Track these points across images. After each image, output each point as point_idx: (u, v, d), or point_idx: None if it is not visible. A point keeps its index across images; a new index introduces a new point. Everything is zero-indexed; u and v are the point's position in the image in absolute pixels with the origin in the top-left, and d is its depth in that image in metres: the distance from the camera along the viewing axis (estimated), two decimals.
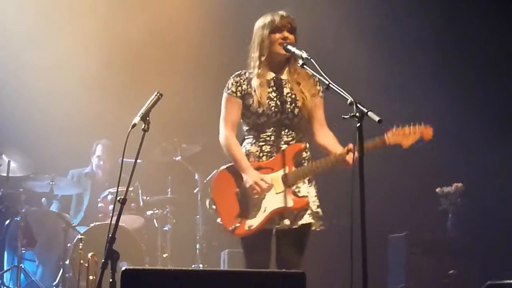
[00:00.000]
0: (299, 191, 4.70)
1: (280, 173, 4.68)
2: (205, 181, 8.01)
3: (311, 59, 4.43)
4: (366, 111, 3.90)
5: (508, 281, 4.68)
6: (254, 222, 4.62)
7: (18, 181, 7.68)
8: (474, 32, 8.42)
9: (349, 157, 4.58)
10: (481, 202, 7.92)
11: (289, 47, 4.63)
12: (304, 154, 4.79)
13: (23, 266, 7.44)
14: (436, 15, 8.49)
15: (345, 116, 3.93)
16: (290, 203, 4.64)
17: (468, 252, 7.47)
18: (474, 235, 7.71)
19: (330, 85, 4.23)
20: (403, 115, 8.04)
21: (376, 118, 3.87)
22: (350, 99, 4.01)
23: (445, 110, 8.45)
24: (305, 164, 4.74)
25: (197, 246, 8.01)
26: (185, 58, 8.61)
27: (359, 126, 3.87)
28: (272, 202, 4.64)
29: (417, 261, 7.34)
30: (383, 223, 7.75)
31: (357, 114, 3.89)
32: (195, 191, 8.14)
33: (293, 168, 4.68)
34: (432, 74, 8.56)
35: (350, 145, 4.58)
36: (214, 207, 4.71)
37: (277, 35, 4.72)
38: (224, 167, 4.79)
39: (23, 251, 7.50)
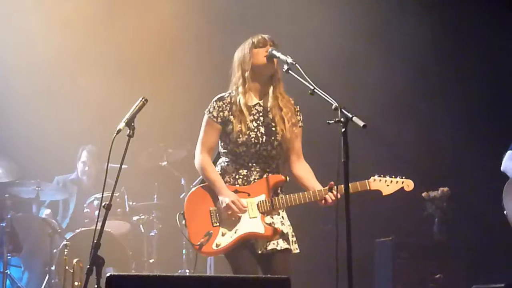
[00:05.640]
0: (272, 220, 4.68)
1: (257, 199, 4.66)
2: (191, 186, 7.95)
3: (296, 64, 4.44)
4: (351, 116, 3.91)
5: (494, 285, 4.70)
6: (222, 242, 4.60)
7: (3, 187, 7.67)
8: (463, 35, 8.48)
9: (329, 196, 4.62)
10: (467, 206, 7.94)
11: (274, 52, 4.63)
12: (268, 166, 4.76)
13: (9, 272, 7.43)
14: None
15: (330, 121, 3.94)
16: (262, 230, 4.61)
17: (454, 256, 7.49)
18: (460, 239, 7.73)
19: (315, 90, 4.24)
20: (395, 118, 8.23)
21: (361, 123, 3.88)
22: (335, 104, 4.02)
23: (434, 114, 8.49)
24: (280, 195, 4.72)
25: (184, 251, 7.99)
26: (171, 63, 8.59)
27: (344, 131, 3.88)
28: (244, 225, 4.62)
29: (404, 265, 7.35)
30: (369, 228, 7.77)
31: (342, 119, 3.90)
32: (181, 196, 8.12)
33: (270, 198, 4.66)
34: (424, 79, 8.59)
35: (331, 183, 4.60)
36: (183, 222, 4.68)
37: (261, 50, 4.69)
38: (200, 185, 4.77)
39: (9, 257, 7.49)
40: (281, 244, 4.66)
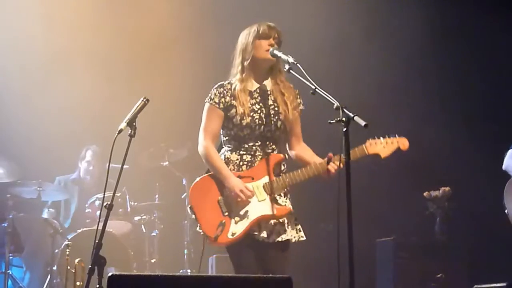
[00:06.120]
0: (277, 201, 4.70)
1: (262, 181, 4.67)
2: None
3: (298, 64, 4.45)
4: (352, 115, 3.91)
5: (495, 285, 4.70)
6: (237, 230, 4.60)
7: (5, 187, 7.66)
8: (466, 33, 8.48)
9: (331, 166, 4.63)
10: (468, 206, 7.94)
11: (276, 52, 4.65)
12: (282, 167, 4.80)
13: (10, 272, 7.43)
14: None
15: (331, 121, 3.95)
16: (273, 211, 4.64)
17: (455, 256, 7.48)
18: (461, 239, 7.73)
19: (317, 89, 4.25)
20: (395, 117, 8.23)
21: (362, 123, 3.88)
22: (336, 103, 4.03)
23: (436, 113, 8.49)
24: (282, 175, 4.74)
25: (185, 251, 8.00)
26: (172, 63, 8.59)
27: (345, 130, 3.89)
28: (255, 209, 4.63)
29: (405, 265, 7.34)
30: (370, 227, 7.77)
31: (343, 118, 3.91)
32: (182, 196, 8.13)
33: (274, 178, 4.68)
34: (424, 78, 8.58)
35: (330, 154, 4.62)
36: (193, 216, 4.67)
37: (264, 41, 4.72)
38: (205, 175, 4.76)
39: (10, 257, 7.48)
40: (282, 235, 4.68)
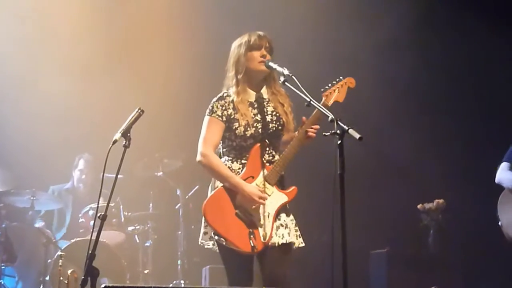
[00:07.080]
0: (284, 186, 4.74)
1: (261, 176, 4.68)
2: (186, 196, 8.02)
3: (293, 76, 4.45)
4: (346, 128, 3.91)
5: None
6: (266, 232, 4.60)
7: None
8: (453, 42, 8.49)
9: (310, 132, 4.65)
10: (462, 218, 7.95)
11: (271, 64, 4.66)
12: (269, 152, 4.78)
13: (2, 282, 7.41)
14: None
15: (326, 133, 3.95)
16: (285, 198, 4.69)
17: (449, 268, 7.50)
18: (455, 251, 7.74)
19: (312, 102, 4.27)
20: (390, 129, 8.24)
21: (357, 136, 3.88)
22: (331, 116, 4.04)
23: (427, 125, 8.50)
24: (275, 161, 4.75)
25: (179, 262, 7.98)
26: (167, 74, 8.59)
27: (340, 143, 3.89)
28: (271, 205, 4.64)
29: (399, 277, 7.35)
30: (364, 239, 7.76)
31: (338, 131, 3.91)
32: (176, 206, 8.12)
33: (270, 167, 4.70)
34: (417, 90, 8.60)
35: (303, 118, 4.65)
36: (223, 239, 4.60)
37: (256, 53, 4.74)
38: (206, 201, 4.69)
39: (3, 267, 7.46)
40: (286, 237, 4.67)
